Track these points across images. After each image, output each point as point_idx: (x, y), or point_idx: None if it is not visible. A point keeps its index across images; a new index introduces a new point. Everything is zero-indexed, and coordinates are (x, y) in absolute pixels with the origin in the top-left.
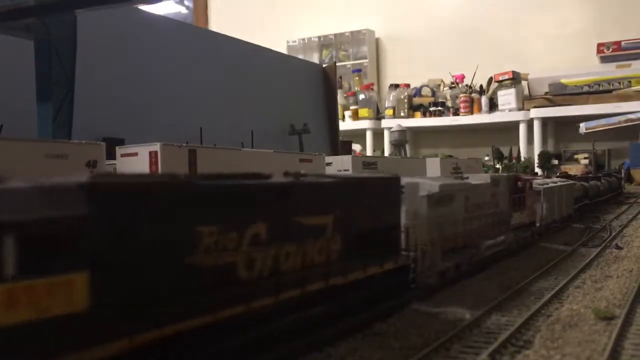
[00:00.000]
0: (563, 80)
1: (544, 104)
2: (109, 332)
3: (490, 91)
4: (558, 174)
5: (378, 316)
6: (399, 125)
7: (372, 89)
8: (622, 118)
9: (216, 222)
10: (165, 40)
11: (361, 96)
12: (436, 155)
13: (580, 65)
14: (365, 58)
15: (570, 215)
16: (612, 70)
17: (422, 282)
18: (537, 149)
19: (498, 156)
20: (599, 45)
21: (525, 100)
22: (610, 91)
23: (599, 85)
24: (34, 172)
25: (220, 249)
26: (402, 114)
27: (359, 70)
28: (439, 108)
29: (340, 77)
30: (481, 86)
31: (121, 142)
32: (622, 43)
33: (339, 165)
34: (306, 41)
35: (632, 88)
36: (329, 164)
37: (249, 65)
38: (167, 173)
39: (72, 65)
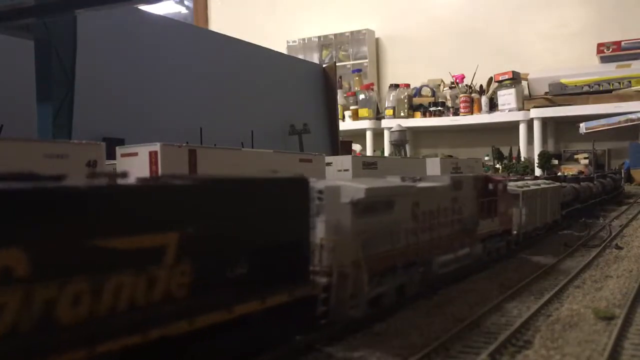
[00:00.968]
0: (563, 80)
1: (544, 104)
2: None
3: (490, 91)
4: (545, 175)
5: None
6: (399, 125)
7: (372, 89)
8: (622, 118)
9: None
10: (165, 40)
11: (361, 96)
12: (436, 156)
13: (580, 65)
14: (365, 58)
15: (556, 221)
16: (612, 70)
17: (341, 316)
18: (537, 149)
19: (498, 156)
20: (599, 45)
21: (525, 100)
22: (610, 91)
23: (599, 85)
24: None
25: None
26: (402, 114)
27: (359, 70)
28: (439, 108)
29: (340, 77)
30: (481, 86)
31: (121, 142)
32: (622, 43)
33: (339, 166)
34: (306, 41)
35: (632, 88)
36: (329, 164)
37: (249, 66)
38: None
39: (72, 65)
